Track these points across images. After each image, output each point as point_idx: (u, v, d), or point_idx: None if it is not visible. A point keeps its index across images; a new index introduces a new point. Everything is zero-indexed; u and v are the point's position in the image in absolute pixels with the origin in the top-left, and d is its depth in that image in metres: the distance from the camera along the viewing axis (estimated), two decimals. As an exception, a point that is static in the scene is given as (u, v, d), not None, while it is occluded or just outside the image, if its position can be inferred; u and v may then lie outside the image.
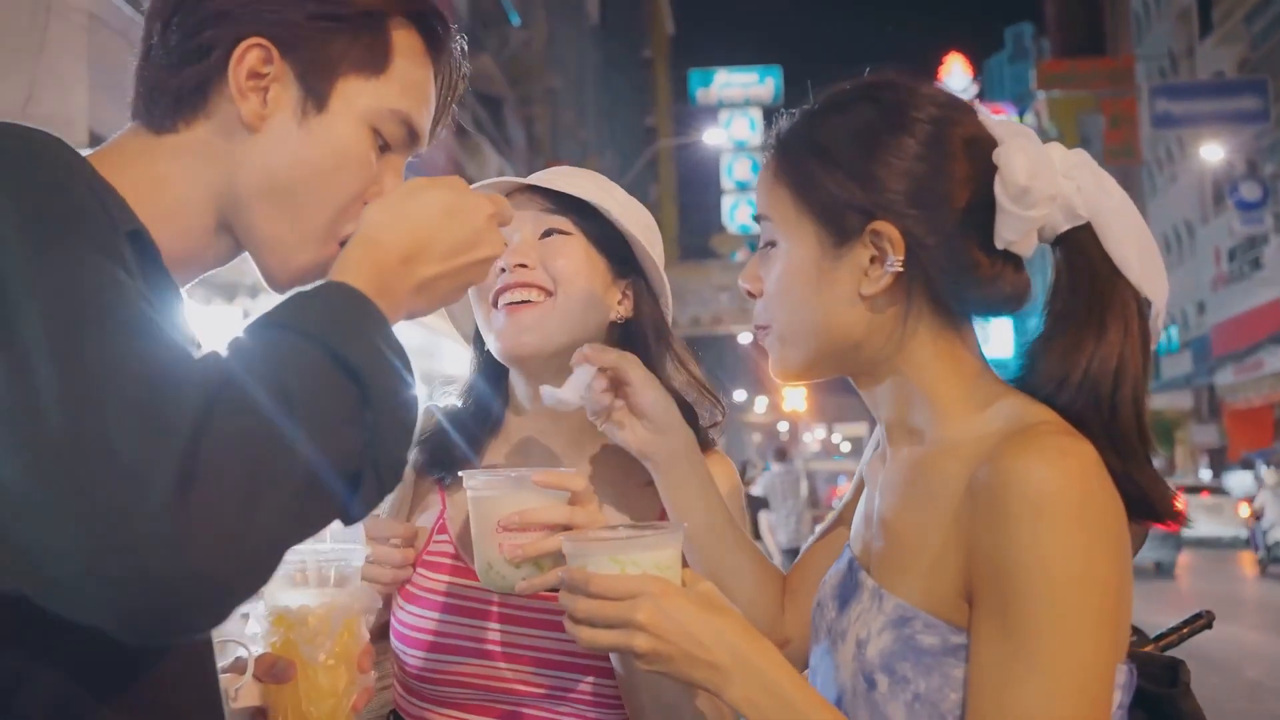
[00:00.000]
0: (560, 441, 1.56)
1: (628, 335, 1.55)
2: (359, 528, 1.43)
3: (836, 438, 62.63)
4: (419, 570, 1.52)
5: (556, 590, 1.20)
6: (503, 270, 1.47)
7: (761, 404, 56.49)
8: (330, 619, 1.18)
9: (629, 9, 38.60)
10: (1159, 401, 36.75)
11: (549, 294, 1.48)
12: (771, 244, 1.25)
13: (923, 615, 1.12)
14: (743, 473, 18.29)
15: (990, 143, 1.17)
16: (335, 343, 0.88)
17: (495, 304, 1.49)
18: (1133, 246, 1.17)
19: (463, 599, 1.49)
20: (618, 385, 1.39)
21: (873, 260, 1.17)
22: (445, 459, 1.56)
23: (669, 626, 1.09)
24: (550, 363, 1.47)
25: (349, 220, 1.08)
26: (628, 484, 1.52)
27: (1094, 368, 1.14)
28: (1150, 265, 1.17)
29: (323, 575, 1.23)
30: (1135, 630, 1.33)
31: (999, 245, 1.16)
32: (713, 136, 30.30)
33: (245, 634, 1.19)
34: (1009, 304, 1.20)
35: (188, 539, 0.75)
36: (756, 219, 1.28)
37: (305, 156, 1.06)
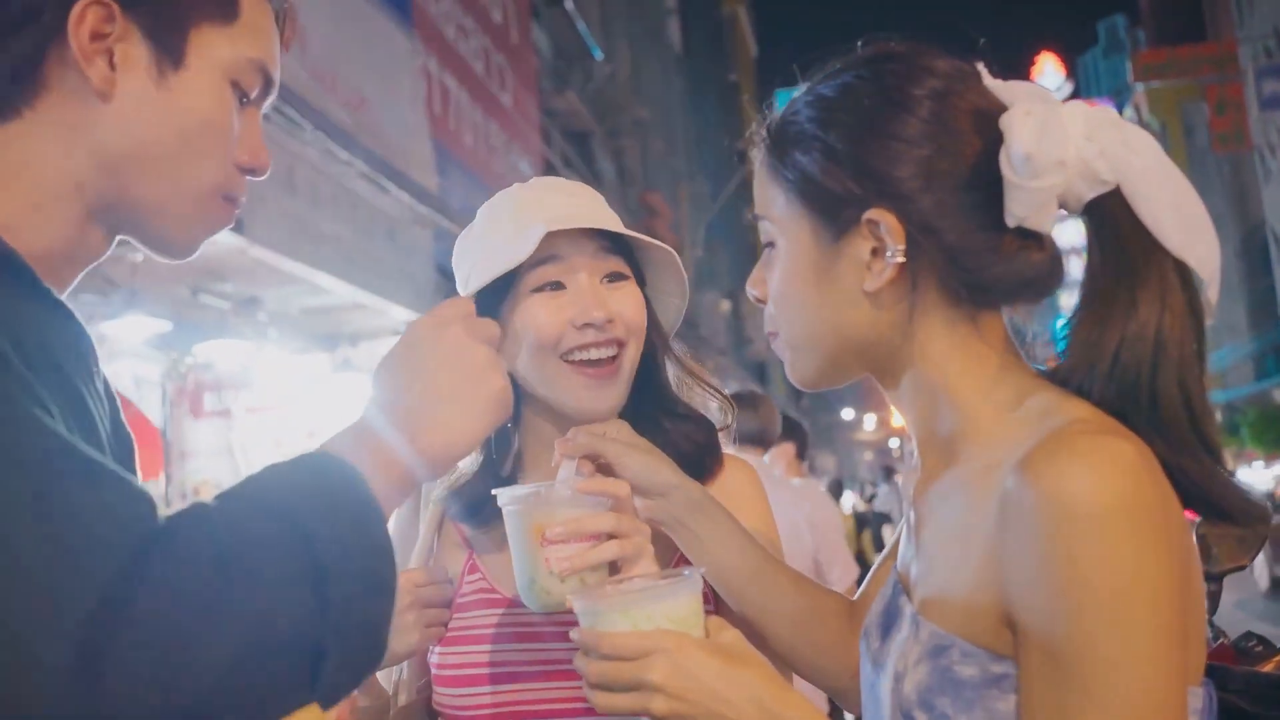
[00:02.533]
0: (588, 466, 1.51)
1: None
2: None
3: (950, 451, 61.09)
4: (454, 614, 1.48)
5: None
6: (588, 326, 1.37)
7: (870, 421, 55.68)
8: None
9: (711, 34, 38.67)
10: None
11: (622, 345, 1.41)
12: (771, 245, 1.17)
13: (960, 643, 1.01)
14: (860, 490, 18.19)
15: (1000, 110, 1.06)
16: (301, 516, 0.81)
17: (567, 358, 1.39)
18: (1170, 210, 1.01)
19: (509, 626, 1.44)
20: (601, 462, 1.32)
21: (874, 253, 1.07)
22: (465, 501, 1.50)
23: (687, 684, 1.02)
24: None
25: (231, 183, 1.03)
26: None
27: (1125, 351, 1.01)
28: (1195, 231, 1.03)
29: None
30: (1261, 640, 1.22)
31: (1010, 223, 1.04)
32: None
33: None
34: (1035, 288, 1.08)
35: None
36: (754, 219, 1.19)
37: (170, 119, 0.97)
